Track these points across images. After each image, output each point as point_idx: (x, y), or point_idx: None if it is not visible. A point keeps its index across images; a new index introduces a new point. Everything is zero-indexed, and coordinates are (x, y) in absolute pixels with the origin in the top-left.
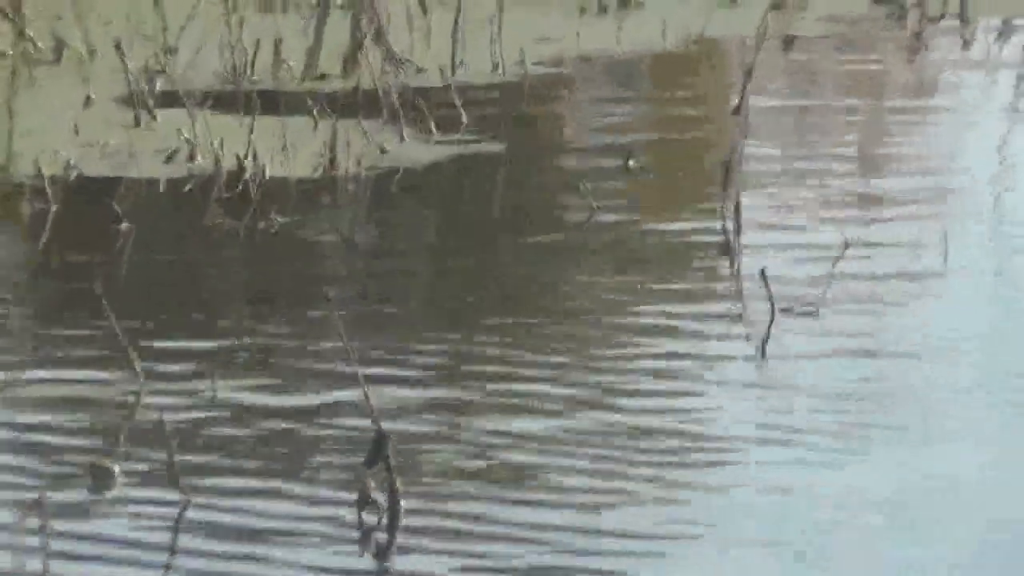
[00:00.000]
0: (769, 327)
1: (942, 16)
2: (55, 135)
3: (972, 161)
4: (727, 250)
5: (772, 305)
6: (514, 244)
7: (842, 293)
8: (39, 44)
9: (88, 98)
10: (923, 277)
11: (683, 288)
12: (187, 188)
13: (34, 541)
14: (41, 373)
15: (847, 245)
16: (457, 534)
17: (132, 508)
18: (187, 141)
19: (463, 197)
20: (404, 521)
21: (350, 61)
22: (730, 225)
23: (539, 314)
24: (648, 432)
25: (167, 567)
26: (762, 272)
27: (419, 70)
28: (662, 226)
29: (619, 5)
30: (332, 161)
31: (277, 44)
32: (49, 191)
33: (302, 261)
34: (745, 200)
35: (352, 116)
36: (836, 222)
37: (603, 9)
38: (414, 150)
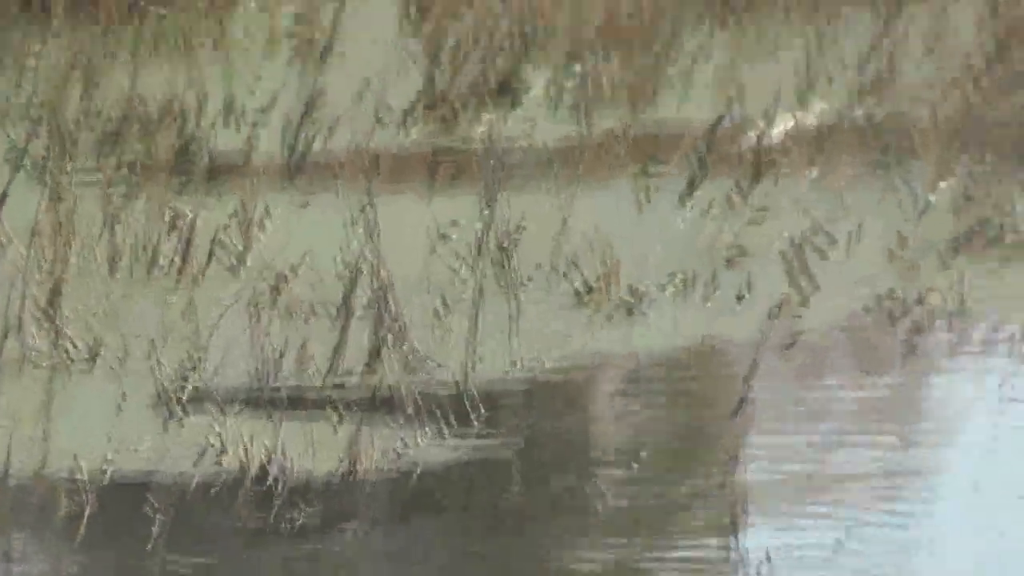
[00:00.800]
0: None
1: (944, 315)
2: (90, 436)
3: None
4: (727, 539)
5: None
6: (526, 537)
7: None
8: (76, 346)
9: (123, 398)
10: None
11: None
12: (217, 486)
13: None
14: None
15: (847, 538)
16: None
17: None
18: (217, 440)
19: (478, 494)
20: None
21: (372, 361)
22: (736, 515)
23: None
24: None
25: None
26: (766, 554)
27: (438, 369)
28: (666, 521)
29: (626, 311)
30: (353, 459)
31: (303, 345)
32: (84, 491)
33: (324, 557)
34: (748, 493)
35: (374, 414)
36: (834, 515)
37: (609, 316)
38: (431, 449)
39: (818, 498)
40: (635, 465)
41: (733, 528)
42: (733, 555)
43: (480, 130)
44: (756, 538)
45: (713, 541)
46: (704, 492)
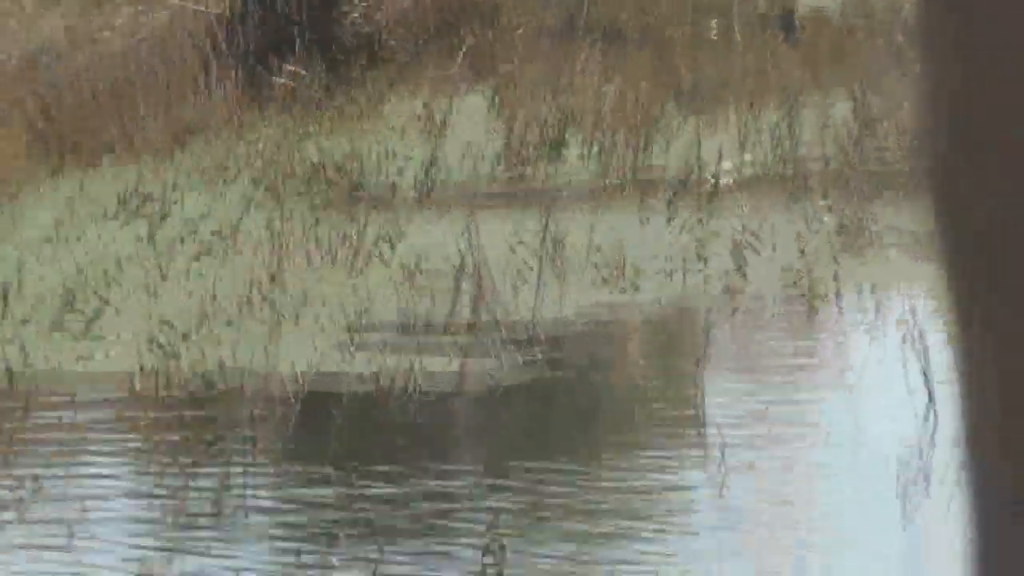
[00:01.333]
0: None
1: (833, 291)
2: (295, 363)
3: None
4: (697, 413)
5: None
6: (567, 417)
7: None
8: (290, 306)
9: (319, 332)
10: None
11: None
12: (375, 394)
13: None
14: None
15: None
16: None
17: None
18: (377, 365)
19: (541, 398)
20: None
21: (474, 316)
22: (699, 404)
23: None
24: None
25: None
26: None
27: (515, 321)
28: (656, 407)
29: (632, 288)
30: (463, 377)
31: (431, 306)
32: (291, 398)
33: (450, 429)
34: (704, 393)
35: (475, 348)
36: (759, 396)
37: (622, 290)
38: (512, 371)
39: (743, 381)
40: (640, 377)
41: (698, 416)
42: (696, 417)
43: (539, 174)
44: (711, 417)
45: (688, 422)
46: (680, 394)
